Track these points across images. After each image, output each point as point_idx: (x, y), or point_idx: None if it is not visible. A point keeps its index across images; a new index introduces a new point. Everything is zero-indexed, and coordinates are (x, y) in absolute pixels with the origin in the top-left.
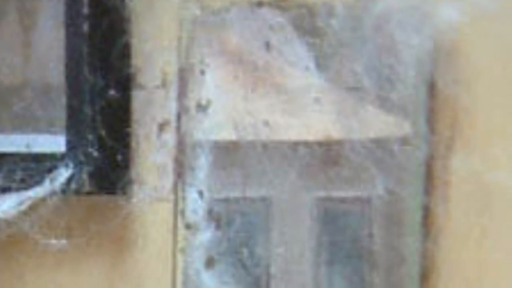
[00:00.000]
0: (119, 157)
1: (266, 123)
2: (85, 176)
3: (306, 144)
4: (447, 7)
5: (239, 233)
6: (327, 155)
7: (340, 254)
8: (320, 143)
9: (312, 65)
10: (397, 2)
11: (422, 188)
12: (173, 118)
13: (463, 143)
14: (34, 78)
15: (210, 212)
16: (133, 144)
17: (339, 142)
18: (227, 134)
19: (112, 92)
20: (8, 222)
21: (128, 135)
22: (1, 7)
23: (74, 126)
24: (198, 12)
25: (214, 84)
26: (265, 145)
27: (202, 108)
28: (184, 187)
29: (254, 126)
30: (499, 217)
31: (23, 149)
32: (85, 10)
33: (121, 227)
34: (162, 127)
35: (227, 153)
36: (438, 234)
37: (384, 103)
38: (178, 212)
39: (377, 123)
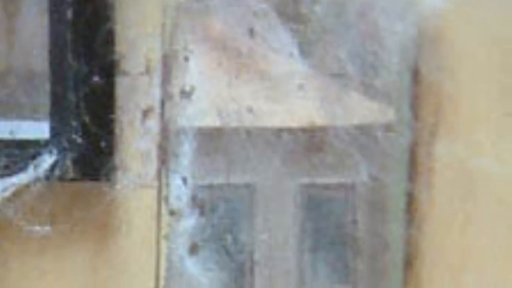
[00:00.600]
0: (103, 144)
1: (250, 110)
2: (69, 162)
3: (290, 130)
4: None
5: (223, 220)
6: (311, 141)
7: (324, 240)
8: (304, 130)
9: (296, 52)
10: None
11: (406, 175)
12: (157, 104)
13: (447, 130)
14: (18, 65)
15: (194, 198)
16: (117, 131)
17: (323, 129)
18: (211, 121)
19: (96, 78)
20: None
21: (112, 121)
22: None
23: (58, 112)
24: None
25: (198, 70)
26: (249, 132)
27: (186, 94)
28: (168, 174)
29: (238, 112)
30: (483, 203)
31: (6, 136)
32: None
33: (105, 213)
34: (146, 113)
35: (211, 140)
36: (422, 220)
37: (368, 90)
38: (162, 198)
39: (361, 110)
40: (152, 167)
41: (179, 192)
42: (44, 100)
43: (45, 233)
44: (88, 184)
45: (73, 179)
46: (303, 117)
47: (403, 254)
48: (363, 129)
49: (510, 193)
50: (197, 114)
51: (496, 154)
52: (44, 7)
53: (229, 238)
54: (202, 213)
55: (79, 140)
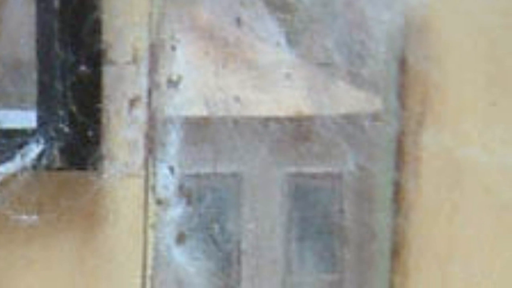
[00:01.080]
0: (90, 133)
1: (237, 99)
2: (56, 151)
3: (277, 120)
4: None
5: (210, 209)
6: (298, 131)
7: (311, 230)
8: (291, 119)
9: (283, 41)
10: None
11: (393, 164)
12: (144, 94)
13: (434, 119)
14: (4, 54)
15: (181, 187)
16: (104, 120)
17: (310, 118)
18: (198, 110)
19: (83, 67)
20: None
21: (99, 110)
22: None
23: (45, 101)
24: None
25: (185, 59)
26: (236, 121)
27: (173, 83)
28: (155, 163)
29: (225, 102)
30: (470, 192)
31: None
32: None
33: (92, 202)
34: (133, 102)
35: (198, 129)
36: (409, 209)
37: (355, 79)
38: (149, 187)
39: (348, 99)
40: (139, 156)
41: (166, 181)
42: (31, 89)
43: (32, 222)
44: (75, 173)
45: (60, 168)
46: (290, 106)
47: (390, 243)
48: (350, 118)
49: (497, 182)
50: (184, 103)
51: (483, 143)
52: None
53: (216, 227)
54: (189, 202)
55: (66, 129)
